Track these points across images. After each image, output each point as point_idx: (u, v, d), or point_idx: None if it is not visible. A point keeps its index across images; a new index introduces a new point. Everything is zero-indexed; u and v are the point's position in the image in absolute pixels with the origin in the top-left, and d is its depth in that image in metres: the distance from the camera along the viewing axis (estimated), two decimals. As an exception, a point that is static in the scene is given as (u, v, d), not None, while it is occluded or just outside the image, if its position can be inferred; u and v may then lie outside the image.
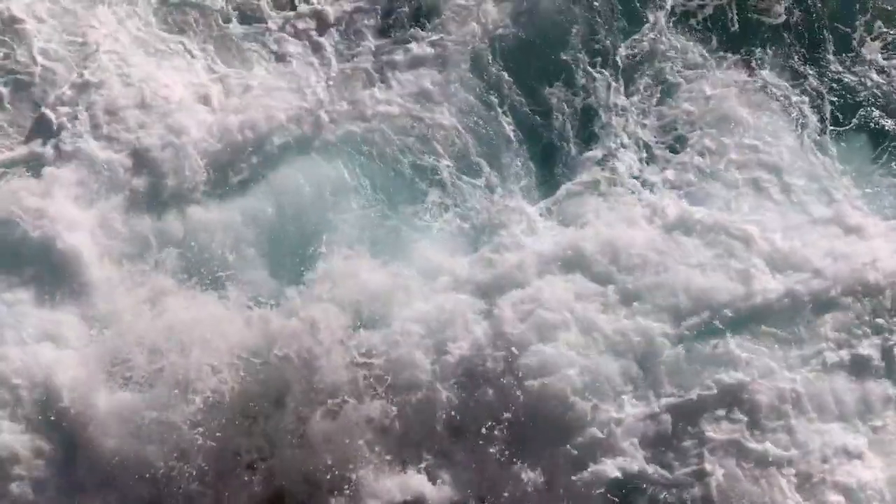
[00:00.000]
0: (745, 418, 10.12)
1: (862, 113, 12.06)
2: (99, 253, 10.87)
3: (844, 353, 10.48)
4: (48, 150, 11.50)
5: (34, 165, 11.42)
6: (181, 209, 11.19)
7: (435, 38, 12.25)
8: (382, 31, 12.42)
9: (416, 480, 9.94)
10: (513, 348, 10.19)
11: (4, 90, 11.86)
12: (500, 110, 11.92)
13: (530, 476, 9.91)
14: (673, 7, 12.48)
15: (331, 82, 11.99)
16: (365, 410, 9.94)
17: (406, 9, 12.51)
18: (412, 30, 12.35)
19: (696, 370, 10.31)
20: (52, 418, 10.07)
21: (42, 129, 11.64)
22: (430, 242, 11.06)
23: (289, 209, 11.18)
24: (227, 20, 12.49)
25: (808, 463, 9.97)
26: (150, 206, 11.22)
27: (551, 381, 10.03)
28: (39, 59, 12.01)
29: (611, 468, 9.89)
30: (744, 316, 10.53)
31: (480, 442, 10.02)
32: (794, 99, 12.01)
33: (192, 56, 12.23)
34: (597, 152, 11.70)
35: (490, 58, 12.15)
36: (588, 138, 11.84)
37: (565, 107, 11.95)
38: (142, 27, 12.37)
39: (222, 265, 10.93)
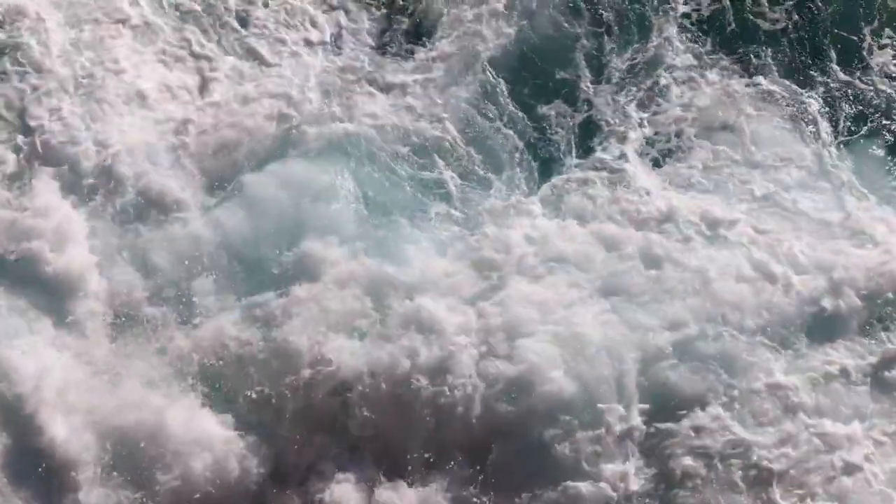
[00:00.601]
0: (739, 424, 9.89)
1: (873, 120, 11.91)
2: (79, 266, 10.64)
3: (848, 359, 10.26)
4: (37, 150, 11.31)
5: (21, 166, 11.27)
6: (168, 216, 10.99)
7: (433, 51, 12.27)
8: (381, 44, 12.42)
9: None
10: (498, 358, 10.06)
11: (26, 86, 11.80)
12: (500, 122, 11.84)
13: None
14: (677, 16, 12.46)
15: (329, 90, 11.93)
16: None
17: (405, 24, 12.50)
18: (410, 45, 12.38)
19: (688, 374, 10.09)
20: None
21: (31, 128, 11.47)
22: (423, 247, 10.89)
23: (280, 217, 11.02)
24: (228, 21, 12.46)
25: (803, 471, 9.75)
26: (138, 212, 11.06)
27: (537, 392, 9.85)
28: (39, 52, 11.92)
29: (589, 488, 9.67)
30: (744, 318, 10.33)
31: (459, 462, 9.86)
32: (804, 106, 11.89)
33: (195, 57, 12.17)
34: (597, 157, 11.59)
35: (490, 67, 12.13)
36: (588, 144, 11.74)
37: (565, 114, 11.88)
38: (146, 22, 12.33)
39: (204, 281, 10.73)
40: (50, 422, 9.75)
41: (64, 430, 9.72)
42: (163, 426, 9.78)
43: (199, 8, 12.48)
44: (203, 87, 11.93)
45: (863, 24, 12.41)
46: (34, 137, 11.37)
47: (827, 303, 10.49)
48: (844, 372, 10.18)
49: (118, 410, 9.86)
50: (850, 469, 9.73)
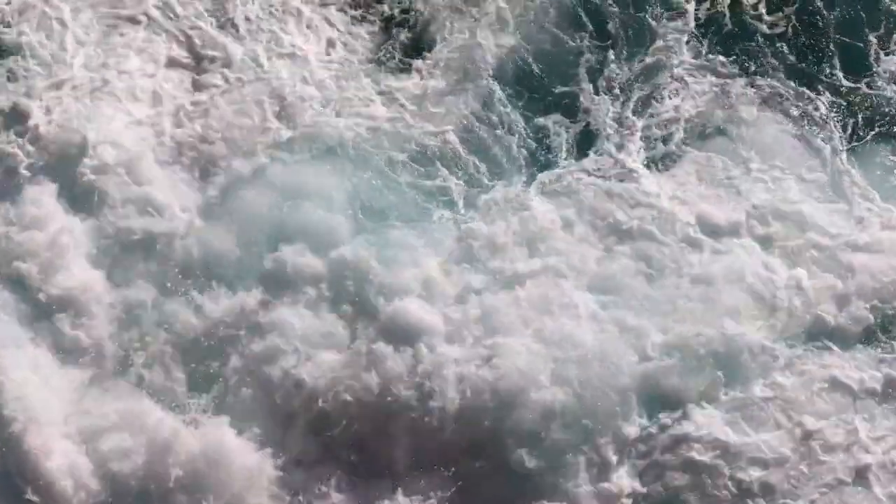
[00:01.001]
0: (737, 431, 9.76)
1: (882, 125, 11.80)
2: (77, 277, 10.65)
3: (851, 363, 10.15)
4: (35, 151, 11.35)
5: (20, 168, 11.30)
6: (162, 222, 10.97)
7: (430, 60, 12.29)
8: (380, 53, 12.45)
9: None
10: (486, 365, 9.98)
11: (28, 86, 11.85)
12: (500, 128, 11.80)
13: None
14: (677, 23, 12.43)
15: (327, 97, 11.95)
16: None
17: (404, 35, 12.54)
18: (409, 54, 12.41)
19: (685, 377, 9.98)
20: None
21: (29, 128, 11.51)
22: (415, 251, 10.81)
23: (273, 223, 11.00)
24: (227, 23, 12.52)
25: (804, 477, 9.65)
26: (134, 217, 11.04)
27: (525, 401, 9.74)
28: (44, 50, 12.01)
29: None
30: (744, 321, 10.24)
31: (443, 476, 9.82)
32: (812, 112, 11.80)
33: (194, 58, 12.24)
34: (595, 159, 11.53)
35: (489, 75, 12.15)
36: (586, 148, 11.68)
37: (564, 118, 11.86)
38: (149, 20, 12.42)
39: (200, 288, 10.74)
40: (43, 447, 9.73)
41: (58, 460, 9.70)
42: (160, 441, 9.80)
43: (200, 8, 12.57)
44: (200, 89, 11.97)
45: (868, 29, 12.31)
46: (26, 140, 11.42)
47: (832, 308, 10.37)
48: (848, 378, 10.03)
49: (109, 427, 9.92)
50: (851, 474, 9.60)
